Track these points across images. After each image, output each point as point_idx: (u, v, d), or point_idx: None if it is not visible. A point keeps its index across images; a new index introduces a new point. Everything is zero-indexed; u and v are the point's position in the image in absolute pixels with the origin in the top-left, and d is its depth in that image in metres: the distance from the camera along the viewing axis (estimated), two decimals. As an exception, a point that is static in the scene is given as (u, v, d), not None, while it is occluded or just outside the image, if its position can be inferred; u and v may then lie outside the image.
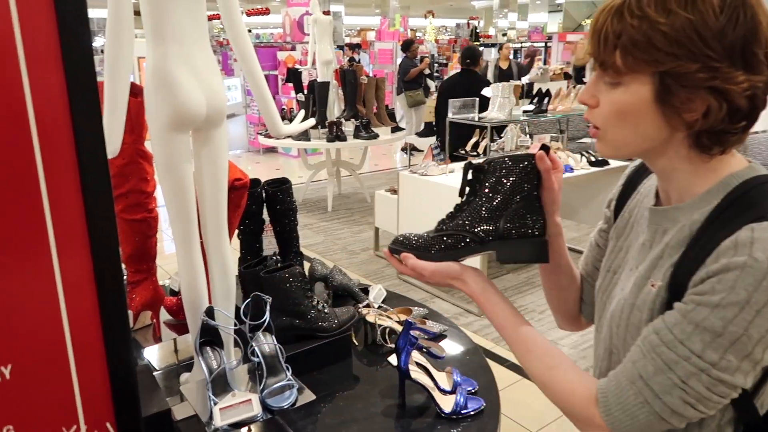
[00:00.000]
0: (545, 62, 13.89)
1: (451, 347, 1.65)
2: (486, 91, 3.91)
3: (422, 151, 8.43)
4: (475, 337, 3.37)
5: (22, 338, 0.53)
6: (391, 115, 6.23)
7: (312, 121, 1.86)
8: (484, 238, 0.96)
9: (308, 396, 1.37)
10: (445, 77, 8.19)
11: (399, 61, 9.19)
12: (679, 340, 0.74)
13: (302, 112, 1.95)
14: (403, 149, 8.22)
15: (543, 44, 16.03)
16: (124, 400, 0.57)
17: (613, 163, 4.28)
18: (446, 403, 1.39)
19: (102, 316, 0.56)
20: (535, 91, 4.24)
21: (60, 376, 0.55)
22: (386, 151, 9.40)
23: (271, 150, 9.03)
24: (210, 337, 1.33)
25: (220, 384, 1.25)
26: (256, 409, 1.22)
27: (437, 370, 1.46)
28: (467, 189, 0.98)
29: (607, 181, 3.88)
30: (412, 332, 1.40)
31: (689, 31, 0.70)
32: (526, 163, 0.95)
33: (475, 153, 4.15)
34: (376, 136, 5.65)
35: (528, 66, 9.90)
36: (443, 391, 1.41)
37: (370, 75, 6.28)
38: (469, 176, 0.97)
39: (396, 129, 6.03)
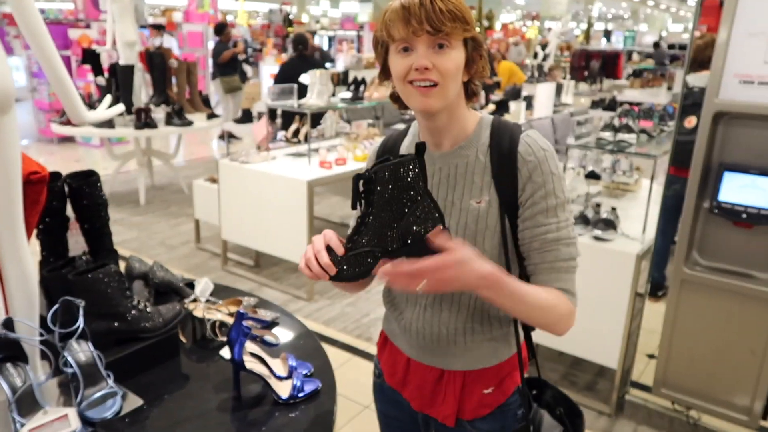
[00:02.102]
0: (358, 50, 14.28)
1: (284, 334, 1.65)
2: (304, 78, 3.91)
3: (240, 138, 8.20)
4: (306, 321, 3.41)
5: None
6: (206, 101, 5.95)
7: (121, 107, 1.70)
8: (396, 249, 0.96)
9: (135, 402, 1.28)
10: (278, 63, 7.88)
11: (211, 44, 8.78)
12: (559, 221, 1.06)
13: (109, 97, 1.77)
14: (221, 137, 7.90)
15: (355, 33, 16.45)
16: None
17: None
18: (283, 389, 1.40)
19: None
20: (351, 79, 4.35)
21: None
22: (202, 139, 8.97)
23: (68, 140, 8.10)
24: (10, 352, 1.17)
25: (28, 403, 1.11)
26: (74, 424, 1.11)
27: (272, 358, 1.46)
28: (361, 200, 0.98)
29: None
30: (244, 323, 1.38)
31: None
32: (410, 165, 0.95)
33: (296, 140, 4.14)
34: (190, 123, 5.36)
35: (328, 52, 10.03)
36: (279, 378, 1.41)
37: (180, 58, 5.91)
38: (360, 188, 0.97)
39: (212, 116, 5.78)
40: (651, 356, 3.00)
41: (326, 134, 4.21)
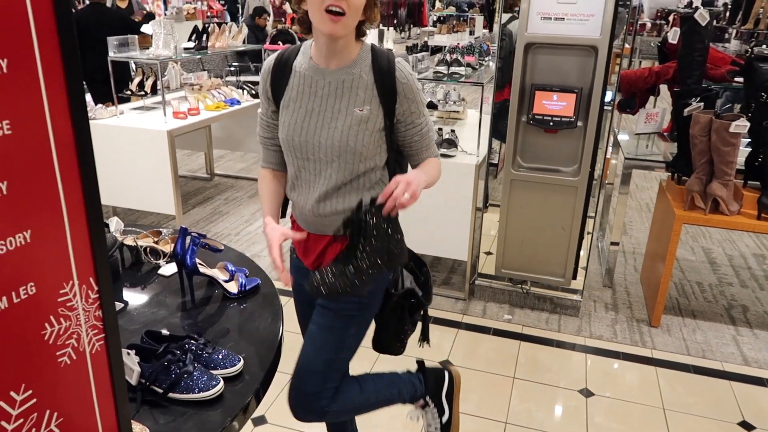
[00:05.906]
0: (165, 3, 13.38)
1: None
2: (146, 28, 3.83)
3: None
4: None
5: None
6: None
7: None
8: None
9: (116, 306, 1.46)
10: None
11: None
12: (426, 118, 1.53)
13: None
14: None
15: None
16: (100, 258, 0.75)
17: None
18: (231, 287, 1.66)
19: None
20: (192, 29, 4.33)
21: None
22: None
23: None
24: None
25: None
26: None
27: (210, 268, 1.70)
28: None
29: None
30: (193, 233, 1.60)
31: None
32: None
33: (143, 92, 4.06)
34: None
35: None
36: (225, 281, 1.67)
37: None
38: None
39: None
40: (488, 253, 3.68)
41: (171, 86, 4.20)
